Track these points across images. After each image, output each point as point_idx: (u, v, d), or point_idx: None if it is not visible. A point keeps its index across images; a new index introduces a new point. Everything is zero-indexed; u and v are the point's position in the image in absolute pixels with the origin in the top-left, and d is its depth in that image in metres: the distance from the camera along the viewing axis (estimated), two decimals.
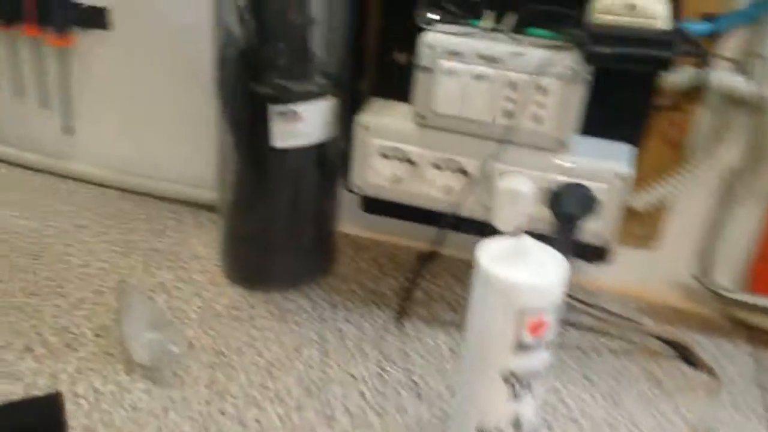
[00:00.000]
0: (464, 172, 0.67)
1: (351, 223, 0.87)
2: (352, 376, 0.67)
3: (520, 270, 0.44)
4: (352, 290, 0.78)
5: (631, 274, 0.80)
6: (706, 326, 0.77)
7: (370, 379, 0.66)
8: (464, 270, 0.83)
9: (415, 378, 0.67)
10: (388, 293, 0.78)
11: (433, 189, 0.69)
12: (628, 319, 0.75)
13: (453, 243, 0.85)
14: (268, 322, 0.73)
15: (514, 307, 0.43)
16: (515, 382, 0.45)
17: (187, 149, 0.90)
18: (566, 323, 0.75)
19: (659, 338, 0.73)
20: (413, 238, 0.86)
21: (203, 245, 0.84)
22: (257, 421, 0.61)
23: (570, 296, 0.74)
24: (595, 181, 0.63)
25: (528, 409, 0.47)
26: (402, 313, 0.75)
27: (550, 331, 0.44)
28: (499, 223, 0.66)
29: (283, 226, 0.74)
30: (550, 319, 0.44)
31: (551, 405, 0.63)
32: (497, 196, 0.65)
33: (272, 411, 0.62)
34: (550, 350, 0.45)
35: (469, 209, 0.68)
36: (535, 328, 0.44)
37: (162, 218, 0.89)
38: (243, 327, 0.72)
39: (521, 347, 0.44)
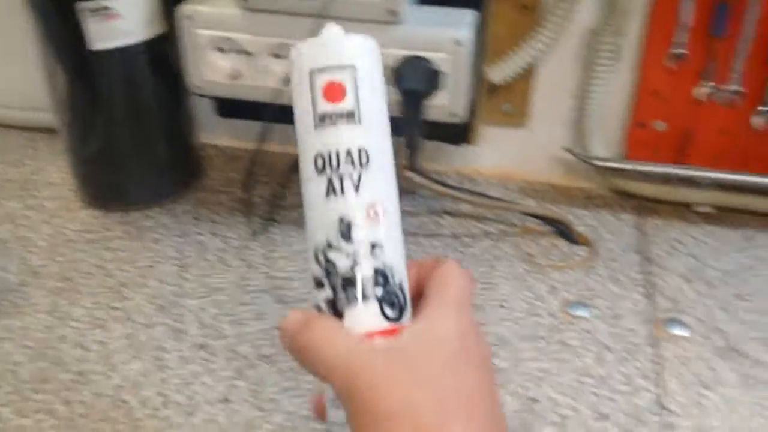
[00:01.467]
0: None
1: (221, 133, 0.82)
2: (211, 287, 0.63)
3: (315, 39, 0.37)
4: (220, 202, 0.74)
5: (508, 155, 0.76)
6: (589, 200, 0.74)
7: (230, 289, 0.62)
8: None
9: (279, 283, 0.63)
10: (259, 201, 0.74)
11: (274, 80, 0.63)
12: (504, 201, 0.71)
13: None
14: (123, 242, 0.68)
15: (305, 72, 0.36)
16: (327, 170, 0.36)
17: (23, 70, 0.82)
18: (442, 212, 0.72)
19: (536, 216, 0.70)
20: (287, 143, 0.81)
21: (59, 172, 0.78)
22: (100, 342, 0.57)
23: (443, 183, 0.71)
24: (434, 52, 0.58)
25: (356, 210, 0.36)
26: (270, 219, 0.71)
27: (354, 101, 0.37)
28: None
29: (128, 140, 0.69)
30: (349, 85, 0.36)
31: None
32: None
33: (118, 331, 0.58)
34: (368, 131, 0.36)
35: None
36: (331, 93, 0.37)
37: (19, 147, 0.83)
38: (94, 250, 0.67)
39: (322, 119, 0.36)
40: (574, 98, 0.71)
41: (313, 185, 0.37)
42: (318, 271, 0.37)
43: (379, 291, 0.36)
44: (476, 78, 0.68)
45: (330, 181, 0.36)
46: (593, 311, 0.61)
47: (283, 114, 0.69)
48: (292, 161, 0.80)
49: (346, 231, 0.36)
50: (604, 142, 0.72)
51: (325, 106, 0.36)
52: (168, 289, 0.62)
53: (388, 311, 0.36)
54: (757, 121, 0.66)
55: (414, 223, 0.71)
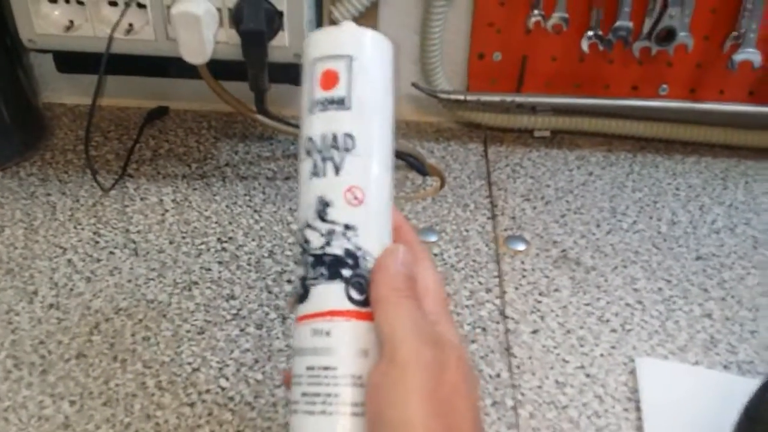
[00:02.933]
0: (142, 5, 0.61)
1: (67, 91, 0.79)
2: (61, 247, 0.61)
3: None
4: (69, 161, 0.72)
5: None
6: (438, 133, 0.77)
7: (82, 247, 0.62)
8: (196, 122, 0.78)
9: (133, 236, 0.63)
10: (111, 157, 0.72)
11: (115, 30, 0.61)
12: None
13: (182, 95, 0.79)
14: None
15: (309, 58, 0.39)
16: (314, 153, 0.38)
17: None
18: (286, 155, 0.73)
19: None
20: (140, 96, 0.79)
21: None
22: None
23: (295, 125, 0.72)
24: None
25: (335, 192, 0.37)
26: (123, 174, 0.70)
27: (346, 89, 0.38)
28: (185, 54, 0.60)
29: None
30: (343, 73, 0.38)
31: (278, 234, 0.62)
32: (175, 25, 0.59)
33: None
34: (357, 120, 0.37)
35: (158, 47, 0.62)
36: (326, 80, 0.38)
37: None
38: None
39: (315, 105, 0.38)
40: (417, 35, 0.73)
41: (302, 165, 0.39)
42: (297, 248, 0.38)
43: (347, 272, 0.36)
44: (320, 18, 0.68)
45: (315, 163, 0.38)
46: (442, 236, 0.64)
47: (124, 64, 0.68)
48: (144, 113, 0.79)
49: (322, 210, 0.37)
50: (448, 76, 0.75)
51: (319, 93, 0.38)
52: (17, 252, 0.61)
53: (354, 294, 0.36)
54: (584, 45, 0.70)
55: (271, 167, 0.71)
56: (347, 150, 0.37)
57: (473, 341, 0.54)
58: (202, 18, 0.58)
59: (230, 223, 0.65)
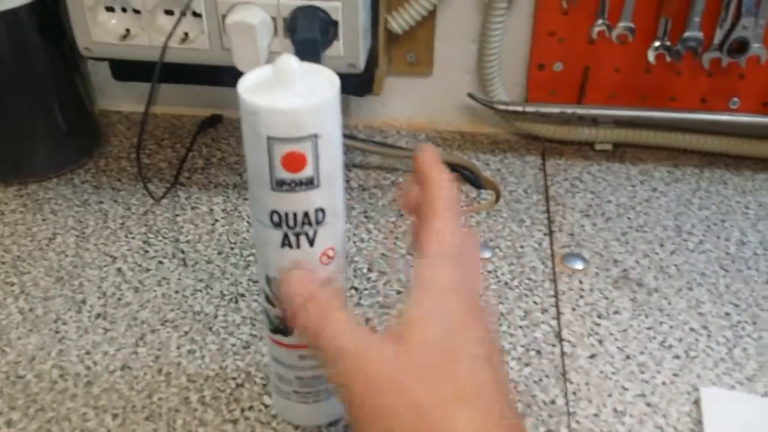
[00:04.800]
0: (197, 14, 0.60)
1: (123, 98, 0.80)
2: (111, 256, 0.61)
3: (271, 94, 0.36)
4: (123, 168, 0.72)
5: (415, 105, 0.76)
6: (494, 145, 0.75)
7: (131, 256, 0.61)
8: None
9: (183, 246, 0.62)
10: (164, 165, 0.72)
11: (170, 39, 0.61)
12: (410, 150, 0.72)
13: (235, 104, 0.79)
14: (19, 215, 0.66)
15: (262, 135, 0.37)
16: (284, 226, 0.39)
17: None
18: (350, 165, 0.72)
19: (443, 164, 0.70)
20: (195, 104, 0.80)
21: None
22: None
23: (349, 136, 0.71)
24: (327, 1, 0.57)
25: (310, 260, 0.40)
26: (175, 183, 0.70)
27: (314, 167, 0.37)
28: (239, 63, 0.60)
29: (20, 110, 0.66)
30: (310, 154, 0.37)
31: None
32: (230, 34, 0.59)
33: (13, 307, 0.56)
34: (327, 194, 0.38)
35: (212, 56, 0.62)
36: (291, 163, 0.38)
37: None
38: None
39: (280, 184, 0.38)
40: (475, 44, 0.71)
41: (267, 232, 0.40)
42: (270, 294, 0.42)
43: None
44: (376, 27, 0.67)
45: (286, 236, 0.39)
46: (497, 252, 0.62)
47: (178, 73, 0.67)
48: (197, 122, 0.79)
49: None
50: (506, 87, 0.73)
51: (283, 174, 0.37)
52: (67, 260, 0.61)
53: None
54: (651, 56, 0.67)
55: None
56: (319, 223, 0.39)
57: (527, 364, 0.52)
58: (257, 27, 0.58)
59: None
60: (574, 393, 0.50)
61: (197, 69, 0.64)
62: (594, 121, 0.72)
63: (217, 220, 0.65)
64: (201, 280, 0.59)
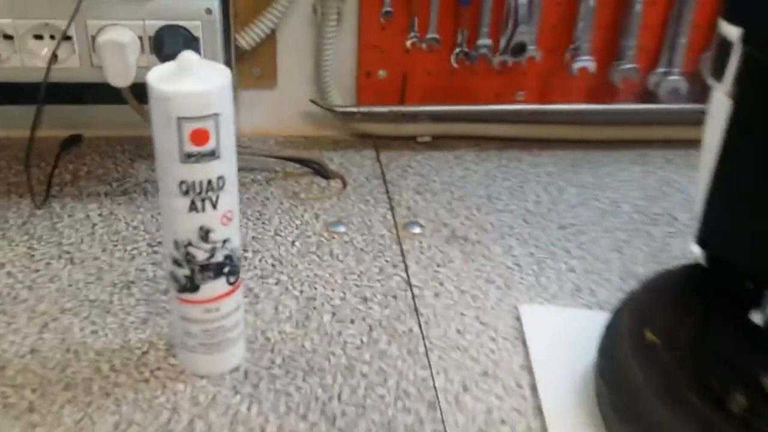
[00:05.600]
0: (67, 37, 0.67)
1: None
2: None
3: (178, 82, 0.46)
4: None
5: (263, 115, 0.87)
6: (335, 144, 0.87)
7: (19, 261, 0.66)
8: (110, 146, 0.84)
9: (67, 248, 0.68)
10: (33, 183, 0.77)
11: (40, 61, 0.67)
12: (266, 150, 0.82)
13: (94, 123, 0.85)
14: None
15: (172, 116, 0.45)
16: (192, 194, 0.48)
17: None
18: None
19: (294, 160, 0.82)
20: (54, 126, 0.84)
21: None
22: None
23: None
24: (189, 20, 0.67)
25: (213, 221, 0.49)
26: (47, 195, 0.75)
27: (216, 141, 0.46)
28: (111, 79, 0.67)
29: None
30: (213, 129, 0.46)
31: None
32: (101, 52, 0.66)
33: None
34: (226, 163, 0.48)
35: (82, 74, 0.69)
36: (198, 138, 0.46)
37: None
38: None
39: (188, 157, 0.47)
40: (312, 58, 0.83)
41: (176, 200, 0.49)
42: (178, 257, 0.51)
43: (227, 268, 0.52)
44: (227, 45, 0.77)
45: (193, 202, 0.49)
46: (350, 227, 0.74)
47: (43, 94, 0.73)
48: (59, 142, 0.84)
49: (204, 235, 0.50)
50: (341, 93, 0.85)
51: (190, 148, 0.47)
52: None
53: (231, 279, 0.53)
54: (453, 61, 0.83)
55: None
56: (221, 188, 0.49)
57: (386, 307, 0.64)
58: (127, 46, 0.66)
59: (158, 230, 0.71)
60: (426, 322, 0.63)
61: (61, 89, 0.70)
62: (415, 118, 0.87)
63: (95, 224, 0.72)
64: (91, 274, 0.65)
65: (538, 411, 0.54)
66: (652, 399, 0.47)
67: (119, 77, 0.67)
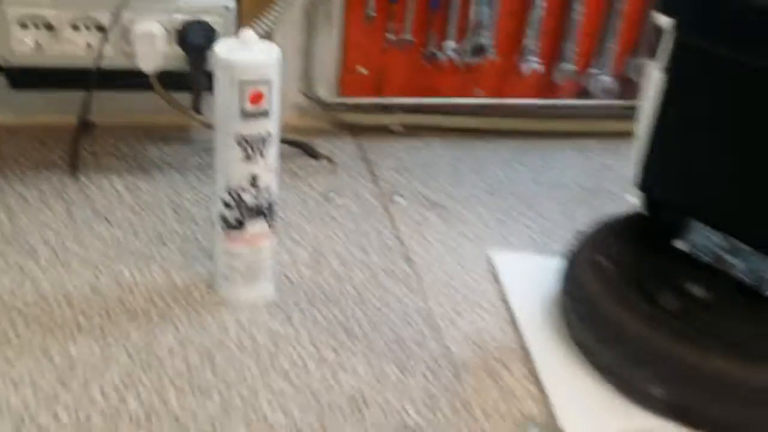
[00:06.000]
0: (101, 28, 0.78)
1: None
2: (44, 223, 0.75)
3: (241, 54, 0.58)
4: (19, 163, 0.84)
5: None
6: (320, 133, 1.00)
7: (61, 220, 0.76)
8: (124, 133, 0.94)
9: (101, 211, 0.78)
10: (56, 159, 0.86)
11: (76, 49, 0.78)
12: None
13: (107, 111, 0.95)
14: None
15: (236, 80, 0.57)
16: (246, 145, 0.59)
17: None
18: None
19: (288, 142, 0.94)
20: (70, 113, 0.93)
21: None
22: None
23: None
24: (210, 16, 0.79)
25: (261, 169, 0.61)
26: (74, 167, 0.84)
27: (268, 103, 0.58)
28: (142, 65, 0.78)
29: None
30: (267, 92, 0.58)
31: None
32: (136, 42, 0.77)
33: None
34: (273, 122, 0.60)
35: (114, 62, 0.79)
36: (255, 99, 0.58)
37: None
38: None
39: (246, 115, 0.58)
40: (302, 56, 0.96)
41: (232, 151, 0.61)
42: (230, 200, 0.63)
43: (268, 212, 0.64)
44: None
45: (246, 152, 0.61)
46: (343, 197, 0.86)
47: (80, 80, 0.82)
48: (75, 126, 0.93)
49: (254, 181, 0.62)
50: (327, 87, 0.98)
51: (249, 107, 0.59)
52: (6, 229, 0.73)
53: (269, 221, 0.65)
54: (424, 60, 0.97)
55: (206, 157, 0.90)
56: (269, 142, 0.62)
57: (383, 255, 0.77)
58: (157, 36, 0.77)
59: (178, 197, 0.82)
60: (417, 267, 0.76)
61: (81, 75, 0.80)
62: (389, 110, 1.01)
63: (121, 193, 0.82)
64: (127, 231, 0.76)
65: (516, 325, 0.68)
66: (606, 304, 0.61)
67: (149, 63, 0.78)
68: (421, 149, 0.99)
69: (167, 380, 0.58)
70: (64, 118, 0.93)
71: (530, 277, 0.74)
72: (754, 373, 0.54)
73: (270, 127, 0.61)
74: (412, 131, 1.03)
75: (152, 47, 0.77)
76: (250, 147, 0.60)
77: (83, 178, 0.83)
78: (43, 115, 0.93)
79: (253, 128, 0.60)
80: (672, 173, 0.64)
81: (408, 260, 0.77)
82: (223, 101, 0.59)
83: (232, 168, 0.61)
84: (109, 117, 0.95)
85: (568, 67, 1.01)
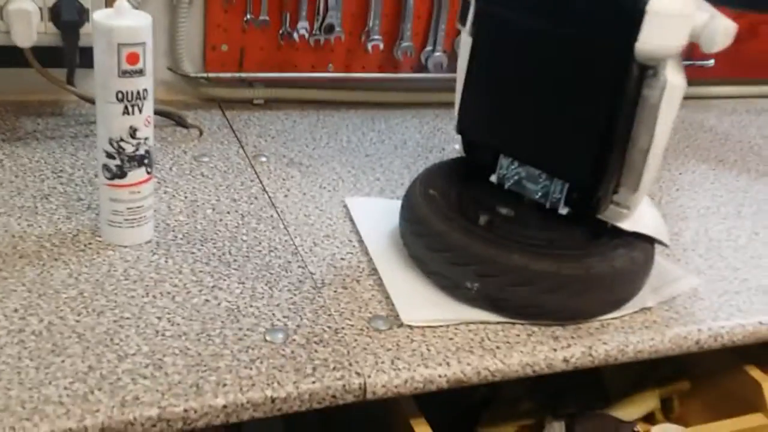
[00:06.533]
0: None
1: None
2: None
3: (117, 20, 0.67)
4: None
5: None
6: (188, 106, 1.09)
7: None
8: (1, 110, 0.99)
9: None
10: None
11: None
12: None
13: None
14: None
15: (114, 43, 0.66)
16: (125, 100, 0.68)
17: None
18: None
19: (158, 113, 1.02)
20: None
21: None
22: None
23: (83, 97, 0.98)
24: None
25: (139, 122, 0.71)
26: None
27: (143, 63, 0.68)
28: (17, 40, 0.85)
29: None
30: (141, 53, 0.68)
31: None
32: (10, 19, 0.84)
33: None
34: (147, 80, 0.70)
35: None
36: (131, 59, 0.68)
37: None
38: None
39: (124, 73, 0.68)
40: (167, 34, 1.05)
41: (113, 107, 0.71)
42: (112, 151, 0.72)
43: (146, 160, 0.74)
44: None
45: (126, 107, 0.70)
46: (212, 158, 0.96)
47: None
48: None
49: (132, 133, 0.72)
50: (192, 64, 1.08)
51: (126, 66, 0.68)
52: None
53: (149, 169, 0.74)
54: (279, 38, 1.09)
55: (80, 127, 0.97)
56: (145, 98, 0.72)
57: (251, 204, 0.88)
58: (32, 13, 0.84)
59: (57, 162, 0.89)
60: (281, 211, 0.87)
61: None
62: (251, 84, 1.12)
63: (2, 161, 0.88)
64: (12, 191, 0.82)
65: (366, 252, 0.81)
66: (434, 222, 0.76)
67: (25, 39, 0.85)
68: (281, 119, 1.11)
69: (63, 304, 0.67)
70: None
71: (377, 214, 0.88)
72: (542, 264, 0.71)
73: (146, 83, 0.70)
74: (273, 104, 1.14)
75: (27, 24, 0.84)
76: (129, 102, 0.70)
77: None
78: None
79: (131, 85, 0.69)
80: (481, 117, 0.80)
81: (273, 207, 0.88)
82: (103, 63, 0.69)
83: (112, 122, 0.71)
84: None
85: (406, 44, 1.16)
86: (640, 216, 0.76)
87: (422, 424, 0.71)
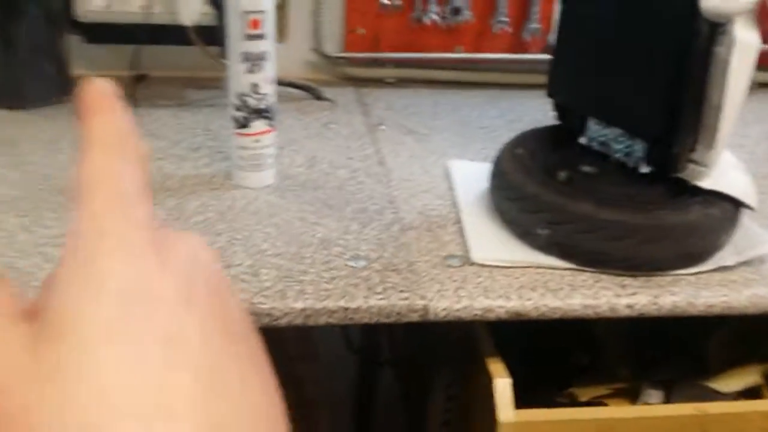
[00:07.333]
0: None
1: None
2: None
3: None
4: None
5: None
6: (326, 83, 1.23)
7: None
8: (169, 81, 1.18)
9: (150, 131, 1.02)
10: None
11: (136, 5, 1.03)
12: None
13: (160, 65, 1.20)
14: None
15: (239, 10, 0.81)
16: (248, 59, 0.82)
17: None
18: None
19: (298, 86, 1.17)
20: (128, 68, 1.19)
21: None
22: None
23: None
24: None
25: (260, 79, 0.84)
26: (134, 98, 1.09)
27: (264, 28, 0.81)
28: (184, 20, 1.02)
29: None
30: (262, 20, 0.81)
31: None
32: (178, 1, 1.02)
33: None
34: (268, 42, 0.82)
35: (161, 17, 1.04)
36: (254, 25, 0.82)
37: None
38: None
39: (247, 37, 0.81)
40: (312, 18, 1.19)
41: (239, 65, 0.84)
42: (239, 104, 0.85)
43: (267, 114, 0.87)
44: None
45: (249, 66, 0.83)
46: (339, 125, 1.09)
47: (141, 35, 1.07)
48: (131, 78, 1.18)
49: (255, 89, 0.85)
50: (333, 45, 1.21)
51: (250, 31, 0.81)
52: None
53: (270, 122, 0.87)
54: (413, 21, 1.19)
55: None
56: (266, 60, 0.85)
57: (364, 161, 0.98)
58: None
59: (211, 124, 1.06)
60: (389, 169, 0.97)
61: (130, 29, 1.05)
62: (383, 64, 1.23)
63: (168, 123, 1.06)
64: (172, 141, 1.00)
65: (455, 205, 0.89)
66: (514, 176, 0.81)
67: (188, 19, 1.03)
68: (408, 95, 1.21)
69: (192, 226, 0.81)
70: (126, 72, 1.19)
71: (475, 175, 0.95)
72: (610, 213, 0.74)
73: (267, 46, 0.83)
74: (403, 83, 1.25)
75: (189, 5, 1.02)
76: (252, 62, 0.83)
77: (140, 111, 1.08)
78: (110, 69, 1.18)
79: (254, 47, 0.83)
80: (569, 80, 0.84)
81: (382, 165, 0.98)
82: (233, 28, 0.82)
83: (239, 79, 0.84)
84: (159, 70, 1.20)
85: (534, 26, 1.21)
86: (721, 175, 0.76)
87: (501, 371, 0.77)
